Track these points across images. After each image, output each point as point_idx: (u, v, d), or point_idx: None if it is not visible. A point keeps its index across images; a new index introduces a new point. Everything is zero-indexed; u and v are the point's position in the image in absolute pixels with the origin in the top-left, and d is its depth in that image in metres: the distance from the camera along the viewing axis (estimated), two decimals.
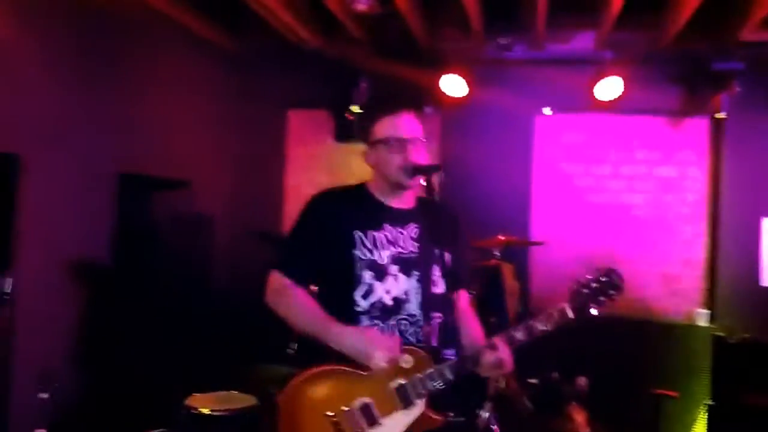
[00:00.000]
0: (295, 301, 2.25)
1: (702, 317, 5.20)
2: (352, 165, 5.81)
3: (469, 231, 4.70)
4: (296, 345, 4.42)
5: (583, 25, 5.33)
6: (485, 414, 3.73)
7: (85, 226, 4.18)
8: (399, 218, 2.33)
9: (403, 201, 2.36)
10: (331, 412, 2.14)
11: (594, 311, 2.18)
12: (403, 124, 2.30)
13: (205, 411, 3.38)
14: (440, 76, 5.38)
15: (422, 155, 2.30)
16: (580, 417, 4.35)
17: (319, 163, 5.99)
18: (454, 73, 5.36)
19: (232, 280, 5.59)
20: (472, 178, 5.54)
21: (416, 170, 2.26)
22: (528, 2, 4.85)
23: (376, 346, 2.10)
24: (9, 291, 3.53)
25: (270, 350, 4.77)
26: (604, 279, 2.20)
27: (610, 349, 4.99)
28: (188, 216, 5.37)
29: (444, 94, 5.44)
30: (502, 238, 4.44)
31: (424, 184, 2.27)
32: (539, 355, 4.91)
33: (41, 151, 3.77)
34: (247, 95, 5.99)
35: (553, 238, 5.42)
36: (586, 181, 5.61)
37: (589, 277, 2.22)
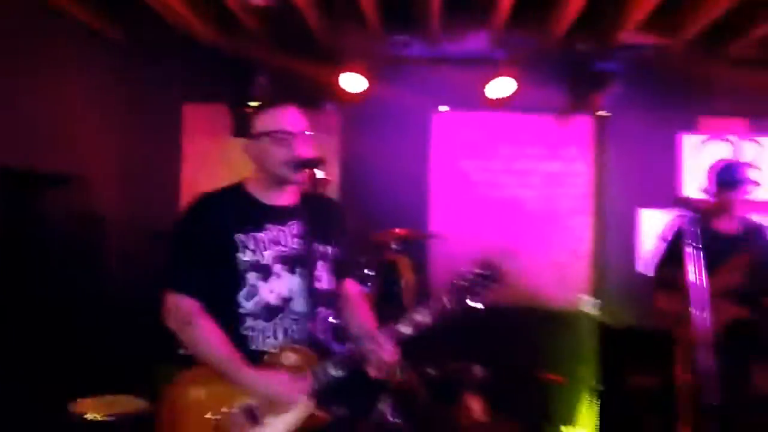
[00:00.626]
0: (202, 337, 2.17)
1: (588, 304, 5.49)
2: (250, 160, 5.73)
3: (367, 225, 4.81)
4: None
5: (477, 24, 5.48)
6: (384, 407, 3.79)
7: None
8: (280, 216, 2.29)
9: (285, 197, 2.33)
10: (213, 414, 2.10)
11: (473, 303, 2.24)
12: (288, 118, 2.28)
13: (91, 416, 3.28)
14: (339, 72, 5.39)
15: (307, 149, 2.28)
16: (477, 405, 4.49)
17: (216, 159, 5.86)
18: (353, 69, 5.39)
19: (127, 280, 5.37)
20: (372, 174, 5.59)
21: (301, 164, 2.23)
22: (426, 1, 4.94)
23: (282, 390, 2.10)
24: None
25: (166, 350, 4.63)
26: (482, 271, 2.27)
27: (504, 337, 5.18)
28: (79, 212, 5.11)
29: (343, 90, 5.46)
30: (399, 231, 4.50)
31: (309, 177, 2.25)
32: (435, 346, 5.08)
33: None
34: (140, 88, 5.76)
35: (451, 231, 5.55)
36: (481, 176, 5.79)
37: (468, 269, 2.28)
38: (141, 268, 5.45)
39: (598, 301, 5.49)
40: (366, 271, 4.25)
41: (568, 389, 5.05)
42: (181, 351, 4.27)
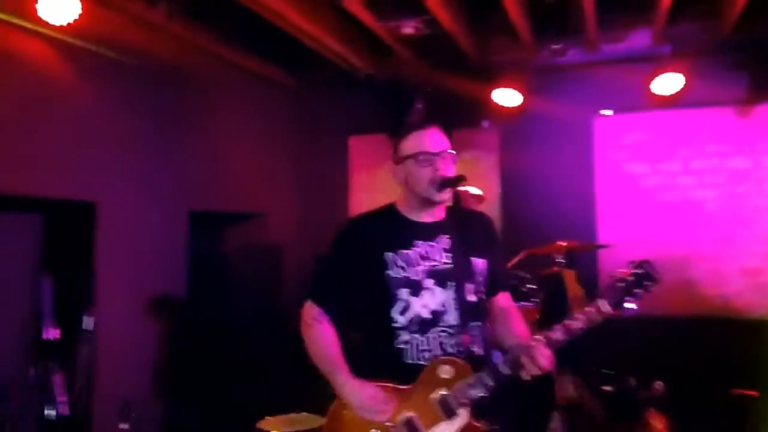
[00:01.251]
0: (317, 337, 2.32)
1: None
2: None
3: (531, 240, 4.72)
4: None
5: (637, 22, 5.21)
6: (555, 424, 3.69)
7: (161, 263, 4.44)
8: (429, 232, 2.34)
9: (433, 214, 2.38)
10: (376, 429, 2.19)
11: (631, 305, 2.13)
12: (430, 139, 2.32)
13: None
14: (494, 89, 5.38)
15: (450, 168, 2.32)
16: (659, 423, 4.19)
17: (381, 185, 6.10)
18: (507, 84, 5.36)
19: (301, 305, 5.74)
20: (535, 188, 5.50)
21: (445, 183, 2.28)
22: (577, 5, 4.80)
23: (369, 406, 2.17)
24: (91, 329, 3.79)
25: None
26: (638, 271, 2.15)
27: (691, 350, 4.79)
28: (259, 246, 5.59)
29: (499, 106, 5.44)
30: (563, 243, 4.37)
31: (453, 195, 2.28)
32: (615, 360, 4.84)
33: (115, 196, 4.06)
34: (309, 126, 6.21)
35: (623, 240, 5.27)
36: (653, 179, 5.45)
37: (624, 271, 2.17)
38: None
39: None
40: (529, 285, 4.18)
41: (765, 405, 4.53)
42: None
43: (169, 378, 4.43)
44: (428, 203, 2.32)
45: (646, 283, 2.14)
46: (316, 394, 4.81)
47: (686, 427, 4.30)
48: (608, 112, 5.57)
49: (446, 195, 2.29)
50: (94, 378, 3.81)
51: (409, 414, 2.18)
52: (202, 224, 4.84)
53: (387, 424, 2.18)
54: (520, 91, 5.37)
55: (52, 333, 3.71)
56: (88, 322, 3.81)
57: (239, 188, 5.35)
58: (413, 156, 2.30)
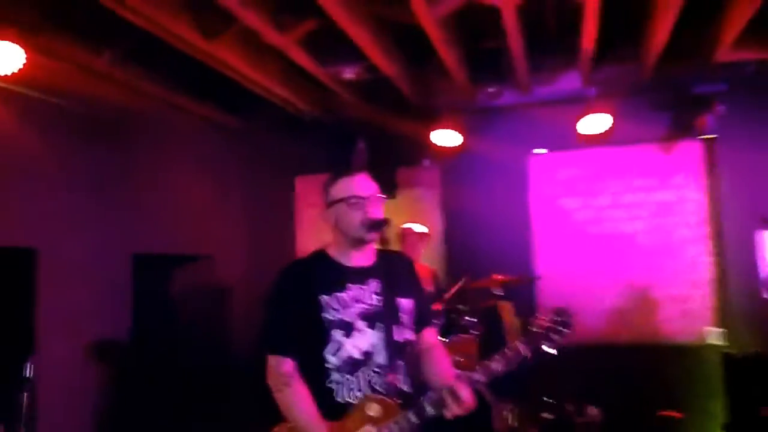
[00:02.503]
0: (294, 398, 2.34)
1: (714, 335, 5.18)
2: None
3: (474, 273, 4.88)
4: None
5: (566, 65, 5.50)
6: None
7: (103, 308, 4.44)
8: (360, 276, 2.46)
9: (363, 258, 2.50)
10: None
11: (549, 349, 2.28)
12: (359, 184, 2.46)
13: None
14: (433, 130, 5.59)
15: (379, 211, 2.45)
16: None
17: (327, 225, 6.21)
18: (447, 125, 5.57)
19: (252, 347, 5.76)
20: (474, 223, 5.70)
21: (374, 225, 2.41)
22: (508, 49, 5.06)
23: None
24: (30, 375, 3.75)
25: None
26: (555, 318, 2.31)
27: (623, 375, 5.00)
28: (206, 288, 5.62)
29: (439, 145, 5.65)
30: (499, 277, 4.54)
31: (377, 236, 2.40)
32: (553, 388, 4.99)
33: (57, 242, 4.07)
34: (255, 167, 6.31)
35: (559, 272, 5.50)
36: (585, 213, 5.73)
37: (542, 317, 2.32)
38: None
39: (724, 330, 5.17)
40: (467, 318, 4.32)
41: (695, 426, 4.75)
42: None
43: (114, 424, 4.39)
44: (358, 244, 2.44)
45: (561, 329, 2.29)
46: None
47: None
48: (542, 151, 5.83)
49: (375, 236, 2.42)
50: (35, 427, 3.75)
51: None
52: (148, 267, 4.85)
53: None
54: (458, 132, 5.58)
55: None
56: (28, 370, 3.77)
57: (185, 230, 5.38)
58: (344, 199, 2.43)
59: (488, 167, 5.78)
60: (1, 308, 3.79)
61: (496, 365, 2.28)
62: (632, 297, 5.46)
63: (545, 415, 4.35)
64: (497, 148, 5.73)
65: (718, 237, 5.36)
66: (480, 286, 4.58)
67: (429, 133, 5.63)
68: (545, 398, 4.53)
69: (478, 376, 2.27)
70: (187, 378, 4.99)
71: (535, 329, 2.30)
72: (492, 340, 4.31)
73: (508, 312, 4.54)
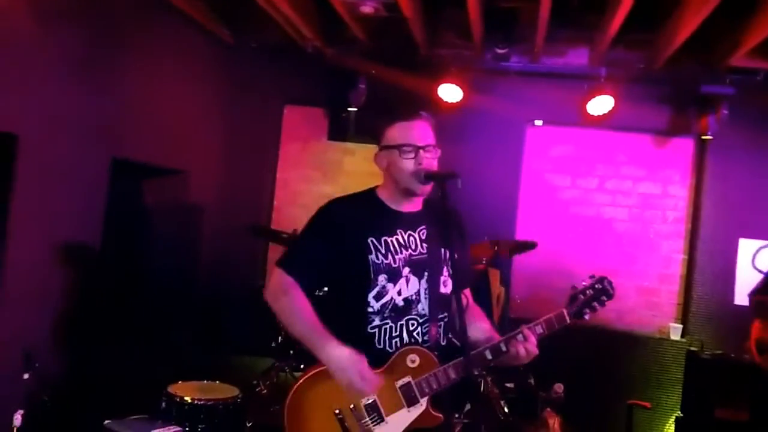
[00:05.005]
0: (295, 304, 2.27)
1: (675, 331, 5.35)
2: (343, 163, 5.90)
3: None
4: (281, 339, 4.48)
5: (580, 40, 5.46)
6: (462, 415, 3.83)
7: (78, 209, 4.19)
8: (409, 222, 2.37)
9: (413, 204, 2.40)
10: (339, 408, 2.20)
11: (587, 316, 2.28)
12: (417, 131, 2.34)
13: (187, 399, 3.40)
14: (437, 83, 5.46)
15: (433, 162, 2.34)
16: (554, 422, 4.45)
17: (311, 160, 6.06)
18: (451, 80, 5.45)
19: (219, 269, 5.63)
20: (463, 183, 5.61)
21: (428, 177, 2.29)
22: (528, 14, 4.95)
23: (359, 378, 2.13)
24: None
25: (254, 342, 4.83)
26: (598, 286, 2.30)
27: (587, 358, 5.13)
28: (180, 204, 5.40)
29: (440, 99, 5.53)
30: (495, 245, 4.49)
31: (440, 191, 2.29)
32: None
33: (38, 132, 3.77)
34: (244, 88, 6.03)
35: (537, 246, 5.52)
36: (571, 193, 5.76)
37: (585, 283, 2.31)
38: (234, 258, 5.73)
39: (684, 327, 5.35)
40: None
41: (649, 415, 4.94)
42: (274, 344, 4.47)
43: (76, 330, 4.21)
44: (409, 194, 2.34)
45: (602, 297, 2.28)
46: (227, 363, 4.78)
47: (579, 429, 4.60)
48: (539, 122, 5.79)
49: (428, 188, 2.32)
50: None
51: (373, 397, 2.21)
52: (125, 173, 4.60)
53: (350, 405, 2.20)
54: (461, 88, 5.47)
55: None
56: None
57: (166, 141, 5.11)
58: (398, 147, 2.31)
59: (485, 129, 5.70)
60: None
61: (540, 329, 2.26)
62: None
63: (508, 384, 4.42)
64: (497, 111, 5.64)
65: (695, 237, 5.47)
66: (475, 252, 4.50)
67: (430, 85, 5.50)
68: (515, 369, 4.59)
69: (540, 329, 2.25)
70: (152, 293, 4.83)
71: (579, 296, 2.29)
72: (477, 303, 4.29)
73: (495, 279, 4.54)
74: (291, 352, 4.22)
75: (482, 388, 4.05)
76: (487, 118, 5.67)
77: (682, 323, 5.39)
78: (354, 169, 5.79)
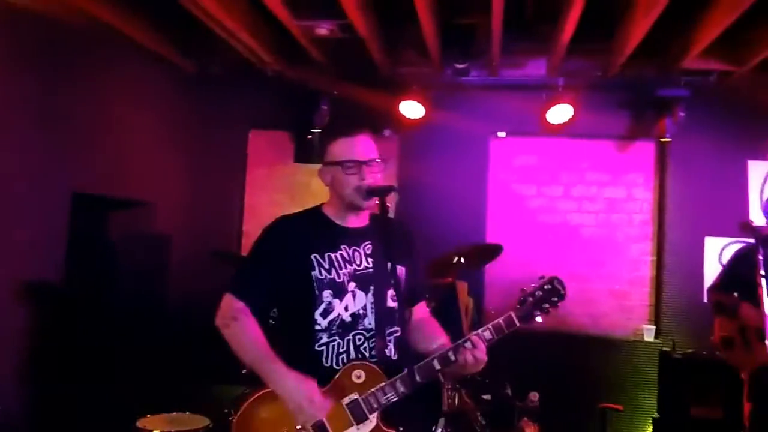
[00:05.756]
0: (244, 331, 2.26)
1: (649, 333, 5.38)
2: (311, 186, 5.90)
3: (426, 249, 4.84)
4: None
5: (536, 52, 5.51)
6: (440, 429, 3.81)
7: (38, 245, 4.13)
8: (354, 237, 2.38)
9: (358, 219, 2.41)
10: (286, 430, 2.17)
11: (539, 318, 2.28)
12: (360, 146, 2.34)
13: None
14: (399, 100, 5.50)
15: (377, 177, 2.34)
16: (531, 431, 4.44)
17: (278, 183, 6.05)
18: (413, 97, 5.50)
19: (188, 299, 5.56)
20: (429, 198, 5.66)
21: (371, 192, 2.30)
22: (485, 29, 5.01)
23: (308, 404, 2.13)
24: None
25: (224, 370, 4.76)
26: (547, 287, 2.31)
27: (561, 364, 5.14)
28: (146, 235, 5.35)
29: (402, 116, 5.57)
30: (462, 260, 4.49)
31: (379, 204, 2.30)
32: (492, 371, 5.07)
33: None
34: (207, 115, 6.03)
35: (507, 256, 5.53)
36: (538, 201, 5.80)
37: (534, 285, 2.31)
38: (203, 287, 5.66)
39: (657, 328, 5.38)
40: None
41: (625, 418, 4.95)
42: (244, 371, 4.41)
43: (41, 370, 4.13)
44: (353, 209, 2.35)
45: (553, 298, 2.29)
46: (197, 393, 4.70)
47: None
48: (502, 134, 5.84)
49: (372, 203, 2.32)
50: None
51: (322, 419, 2.18)
52: (87, 207, 4.55)
53: (297, 427, 2.17)
54: (423, 105, 5.52)
55: None
56: None
57: (128, 173, 5.08)
58: (340, 163, 2.31)
59: (449, 144, 5.74)
60: None
61: (488, 334, 2.26)
62: (574, 287, 5.55)
63: (484, 396, 4.40)
64: (460, 126, 5.68)
65: (662, 238, 5.53)
66: (439, 263, 4.50)
67: (392, 103, 5.55)
68: (485, 380, 4.58)
69: (489, 334, 2.24)
70: (119, 327, 4.75)
71: (528, 298, 2.29)
72: (445, 317, 4.28)
73: (463, 291, 4.54)
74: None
75: (456, 402, 4.02)
76: (451, 132, 5.71)
77: (654, 324, 5.42)
78: (321, 190, 5.67)
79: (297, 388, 2.15)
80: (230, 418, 4.15)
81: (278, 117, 5.84)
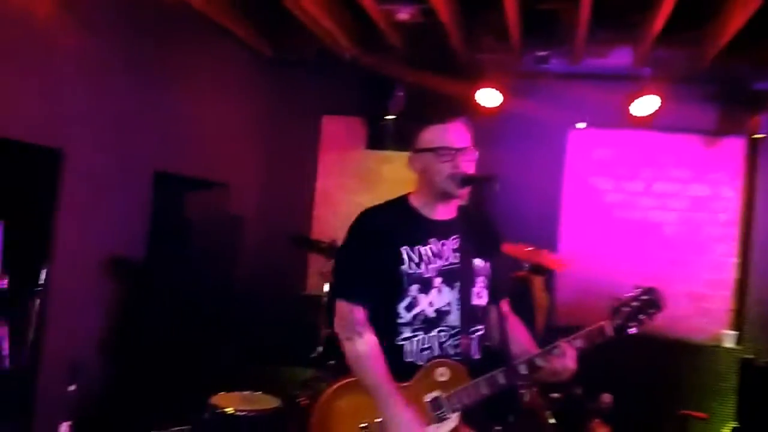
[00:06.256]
0: (369, 351, 2.21)
1: (729, 338, 5.14)
2: (382, 172, 5.86)
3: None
4: (321, 349, 4.45)
5: (622, 40, 5.31)
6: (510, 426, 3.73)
7: (121, 223, 4.25)
8: (442, 231, 2.32)
9: (447, 211, 2.35)
10: (364, 422, 2.16)
11: (633, 330, 2.17)
12: (454, 133, 2.29)
13: (230, 410, 3.40)
14: (476, 88, 5.39)
15: (471, 165, 2.28)
16: None
17: (350, 169, 6.04)
18: (490, 84, 5.38)
19: (260, 280, 5.66)
20: (503, 190, 5.50)
21: (466, 180, 2.24)
22: (568, 15, 4.85)
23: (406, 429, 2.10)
24: (43, 282, 3.59)
25: (294, 352, 4.82)
26: (644, 297, 2.21)
27: (636, 367, 4.96)
28: (221, 216, 5.45)
29: (479, 104, 5.46)
30: (530, 249, 4.39)
31: (473, 194, 2.24)
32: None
33: (82, 146, 3.84)
34: (283, 99, 6.08)
35: (582, 252, 5.40)
36: (616, 197, 5.59)
37: (630, 295, 2.21)
38: (275, 269, 5.75)
39: (737, 333, 5.14)
40: None
41: (704, 426, 4.75)
42: (314, 354, 4.45)
43: (121, 341, 4.27)
44: (445, 197, 2.28)
45: (650, 310, 2.18)
46: (265, 374, 4.77)
47: None
48: (582, 125, 5.66)
49: (465, 192, 2.26)
50: (42, 334, 3.61)
51: None
52: (167, 186, 4.66)
53: (376, 420, 2.15)
54: (501, 92, 5.39)
55: (1, 282, 3.49)
56: (41, 276, 3.61)
57: (205, 154, 5.18)
58: (434, 150, 2.25)
59: (525, 134, 5.60)
60: (20, 208, 3.59)
61: (578, 343, 2.17)
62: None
63: (554, 395, 4.29)
64: (538, 115, 5.53)
65: (748, 239, 5.27)
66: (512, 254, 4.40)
67: (468, 90, 5.44)
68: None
69: (579, 343, 2.16)
70: (196, 305, 4.86)
71: (623, 308, 2.19)
72: (518, 313, 4.19)
73: (539, 286, 4.43)
74: (331, 362, 4.19)
75: (526, 399, 3.93)
76: (528, 121, 5.56)
77: (737, 330, 5.17)
78: (392, 177, 5.73)
79: (409, 426, 2.11)
80: (298, 401, 4.23)
81: (352, 103, 5.82)
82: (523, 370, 2.18)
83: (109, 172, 4.11)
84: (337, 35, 5.19)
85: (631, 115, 5.27)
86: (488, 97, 5.40)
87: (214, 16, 4.92)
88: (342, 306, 2.28)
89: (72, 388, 3.50)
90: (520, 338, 2.36)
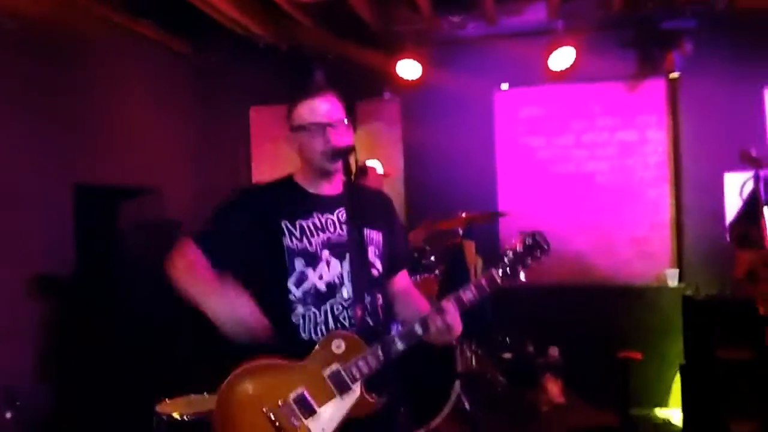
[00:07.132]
0: (185, 263, 2.18)
1: (672, 278, 5.22)
2: None
3: (437, 210, 4.75)
4: None
5: None
6: (456, 393, 3.76)
7: (42, 240, 4.14)
8: (327, 204, 2.29)
9: (331, 187, 2.32)
10: (267, 407, 2.12)
11: (522, 275, 2.17)
12: (321, 108, 2.23)
13: (176, 416, 3.35)
14: (396, 61, 5.36)
15: (343, 138, 2.24)
16: (554, 387, 4.37)
17: (285, 158, 5.95)
18: (409, 56, 5.35)
19: None
20: (436, 160, 5.55)
21: (336, 153, 2.20)
22: None
23: (248, 322, 2.07)
24: None
25: (239, 350, 4.77)
26: (528, 242, 2.19)
27: (585, 318, 5.03)
28: (156, 222, 5.35)
29: (400, 78, 5.43)
30: (464, 215, 4.43)
31: (343, 166, 2.22)
32: (512, 328, 5.00)
33: None
34: (208, 96, 5.98)
35: (521, 210, 5.41)
36: (548, 152, 5.62)
37: (515, 242, 2.20)
38: None
39: (680, 272, 5.22)
40: (432, 258, 4.22)
41: (654, 367, 4.82)
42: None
43: (57, 362, 4.18)
44: (323, 174, 2.26)
45: (536, 253, 2.17)
46: (214, 374, 4.70)
47: (579, 390, 4.50)
48: (505, 86, 5.66)
49: (338, 165, 2.23)
50: None
51: (301, 390, 2.12)
52: (91, 198, 4.55)
53: (278, 401, 2.12)
54: (420, 63, 5.37)
55: None
56: None
57: (131, 161, 5.07)
58: (305, 126, 2.22)
59: (452, 101, 5.59)
60: None
61: (468, 295, 2.15)
62: (592, 238, 5.44)
63: (505, 355, 4.33)
64: (461, 82, 5.52)
65: (679, 179, 5.34)
66: (447, 226, 4.42)
67: (389, 63, 5.41)
68: (505, 339, 4.52)
69: (470, 295, 2.14)
70: (134, 316, 4.77)
71: (508, 255, 2.17)
72: (454, 279, 4.21)
73: (471, 251, 4.45)
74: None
75: (472, 363, 3.96)
76: (452, 89, 5.56)
77: (677, 268, 5.26)
78: None
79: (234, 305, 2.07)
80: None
81: (276, 91, 5.71)
82: (418, 329, 2.16)
83: (26, 190, 4.00)
84: (248, 24, 5.11)
85: (551, 70, 5.29)
86: (408, 69, 5.38)
87: (123, 22, 4.82)
88: (185, 244, 2.23)
89: (8, 415, 3.42)
90: (419, 307, 2.33)
